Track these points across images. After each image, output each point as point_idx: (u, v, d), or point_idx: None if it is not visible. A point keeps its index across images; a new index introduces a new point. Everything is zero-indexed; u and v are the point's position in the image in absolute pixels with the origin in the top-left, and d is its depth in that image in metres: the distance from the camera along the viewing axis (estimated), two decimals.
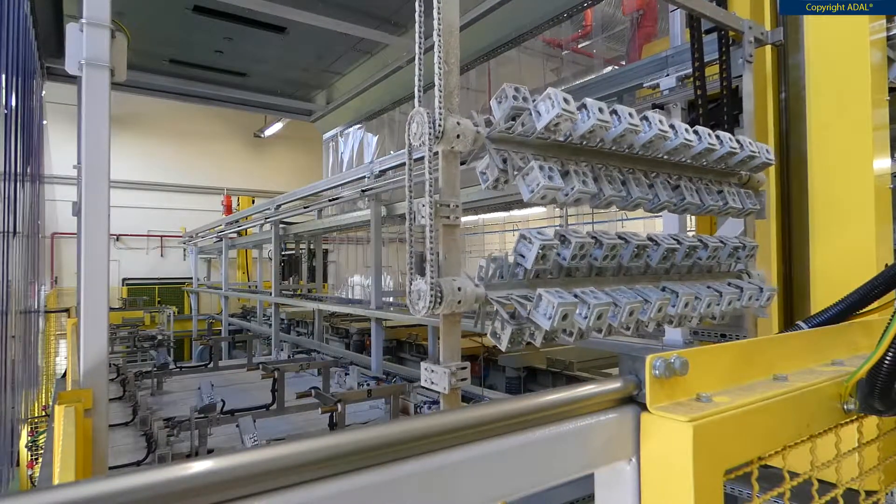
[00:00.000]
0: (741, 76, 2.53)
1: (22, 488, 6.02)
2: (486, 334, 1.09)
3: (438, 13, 1.02)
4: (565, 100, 1.01)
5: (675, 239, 1.21)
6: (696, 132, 1.25)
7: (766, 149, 1.47)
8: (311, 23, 7.07)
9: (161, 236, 16.75)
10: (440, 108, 0.98)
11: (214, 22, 7.49)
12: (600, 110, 1.06)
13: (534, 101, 1.06)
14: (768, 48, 2.38)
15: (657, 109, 2.85)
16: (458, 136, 0.98)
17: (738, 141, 1.36)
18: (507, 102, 1.04)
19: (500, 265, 0.99)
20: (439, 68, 1.00)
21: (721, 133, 1.32)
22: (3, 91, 3.95)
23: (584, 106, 1.06)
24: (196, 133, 17.43)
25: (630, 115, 1.10)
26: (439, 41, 1.01)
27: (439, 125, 0.96)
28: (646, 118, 1.15)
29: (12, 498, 0.41)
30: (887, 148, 2.16)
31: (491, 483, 0.66)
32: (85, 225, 2.20)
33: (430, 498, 0.61)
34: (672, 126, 1.21)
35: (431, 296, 0.87)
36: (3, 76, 3.95)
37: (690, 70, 2.79)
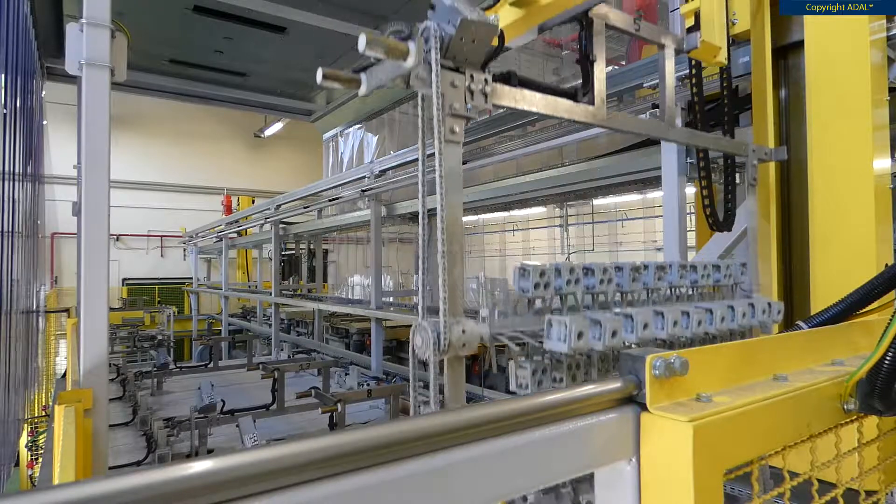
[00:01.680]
0: (742, 76, 2.53)
1: (22, 488, 6.02)
2: None
3: (442, 211, 0.99)
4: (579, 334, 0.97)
5: None
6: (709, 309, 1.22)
7: (777, 310, 1.46)
8: (311, 23, 7.07)
9: (161, 236, 16.75)
10: (445, 320, 0.94)
11: (214, 22, 7.49)
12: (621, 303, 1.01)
13: (556, 269, 1.04)
14: (768, 44, 2.39)
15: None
16: (463, 345, 0.95)
17: (751, 305, 1.34)
18: (527, 281, 1.02)
19: None
20: (443, 278, 0.97)
21: (735, 303, 1.29)
22: (3, 91, 3.95)
23: (598, 323, 1.00)
24: (196, 133, 17.43)
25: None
26: (442, 243, 0.98)
27: (445, 339, 0.93)
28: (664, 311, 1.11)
29: (12, 498, 0.41)
30: (887, 148, 2.16)
31: (491, 483, 0.66)
32: (85, 225, 2.21)
33: (430, 498, 0.61)
34: (686, 314, 1.17)
35: None
36: (3, 76, 3.95)
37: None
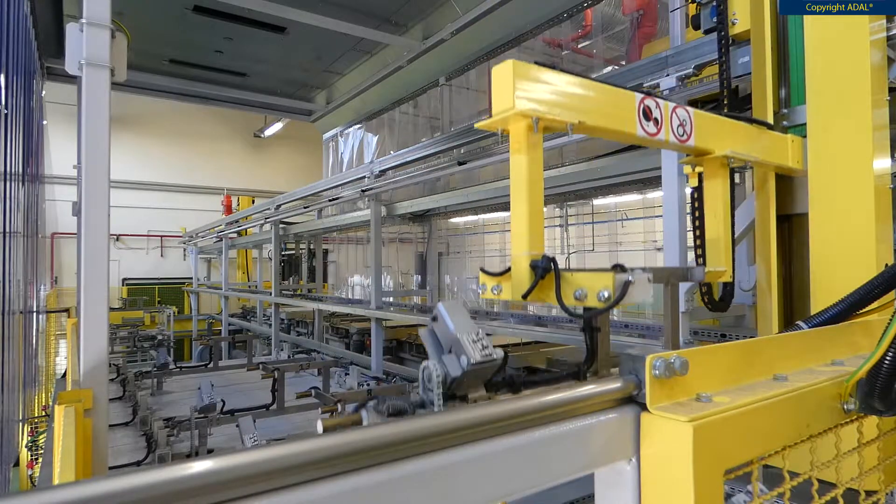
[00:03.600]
0: (742, 76, 2.53)
1: (22, 488, 6.02)
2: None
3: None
4: None
5: None
6: None
7: None
8: (311, 23, 7.07)
9: (161, 236, 16.75)
10: None
11: (214, 22, 7.49)
12: None
13: None
14: (768, 44, 2.39)
15: None
16: None
17: None
18: None
19: None
20: None
21: None
22: (3, 91, 3.94)
23: None
24: (196, 133, 17.43)
25: None
26: None
27: None
28: None
29: (12, 498, 0.41)
30: (887, 148, 2.16)
31: (491, 483, 0.66)
32: (85, 225, 2.21)
33: (430, 498, 0.61)
34: None
35: None
36: (3, 76, 3.95)
37: (690, 70, 2.80)
